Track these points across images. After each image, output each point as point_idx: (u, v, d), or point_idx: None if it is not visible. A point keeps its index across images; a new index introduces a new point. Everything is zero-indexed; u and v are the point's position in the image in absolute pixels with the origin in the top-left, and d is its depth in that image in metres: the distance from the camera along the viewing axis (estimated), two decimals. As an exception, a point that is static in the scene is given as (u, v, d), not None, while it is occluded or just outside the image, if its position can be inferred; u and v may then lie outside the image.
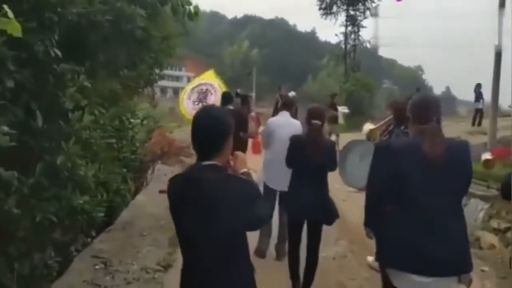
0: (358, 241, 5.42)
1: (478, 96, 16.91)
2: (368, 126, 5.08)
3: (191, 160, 10.76)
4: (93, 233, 5.37)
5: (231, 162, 2.16)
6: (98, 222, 5.08)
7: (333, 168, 4.07)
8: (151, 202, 6.92)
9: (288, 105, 5.25)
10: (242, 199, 1.92)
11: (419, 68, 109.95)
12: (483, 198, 8.14)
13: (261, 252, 5.03)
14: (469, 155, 2.46)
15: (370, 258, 5.02)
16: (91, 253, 4.76)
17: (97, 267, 4.46)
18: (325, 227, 5.87)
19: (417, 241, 2.31)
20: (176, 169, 9.62)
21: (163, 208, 6.56)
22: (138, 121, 8.62)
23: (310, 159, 3.80)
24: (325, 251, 5.17)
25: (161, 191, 7.45)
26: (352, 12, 23.75)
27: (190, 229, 1.95)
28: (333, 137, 12.25)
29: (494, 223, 7.69)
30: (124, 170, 7.24)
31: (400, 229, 2.38)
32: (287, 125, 4.88)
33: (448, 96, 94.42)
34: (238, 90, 10.41)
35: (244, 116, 6.63)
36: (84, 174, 3.74)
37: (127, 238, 5.33)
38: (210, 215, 1.90)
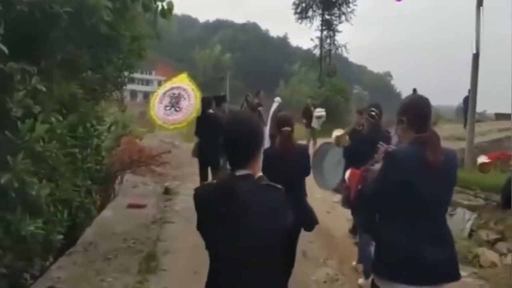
0: (349, 260, 4.96)
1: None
2: (335, 133, 5.04)
3: (163, 169, 10.18)
4: (51, 259, 4.72)
5: None
6: (56, 247, 4.46)
7: (307, 173, 3.99)
8: (118, 218, 6.26)
9: (252, 110, 5.10)
10: (279, 208, 1.90)
11: (388, 74, 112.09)
12: (470, 207, 7.87)
13: None
14: (458, 163, 2.50)
15: (361, 280, 4.61)
16: (48, 283, 4.11)
17: (53, 301, 3.81)
18: (312, 245, 5.53)
19: (418, 251, 2.28)
20: (147, 180, 8.97)
21: (132, 226, 5.94)
22: (105, 127, 7.93)
23: (285, 166, 3.66)
24: (315, 273, 4.72)
25: (130, 206, 6.81)
26: (327, 17, 23.52)
27: (226, 242, 1.86)
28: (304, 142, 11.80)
29: (483, 234, 7.40)
30: (89, 182, 6.57)
31: (401, 239, 2.32)
32: None
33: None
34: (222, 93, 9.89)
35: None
36: (36, 193, 3.14)
37: (89, 263, 4.68)
38: (248, 227, 1.83)
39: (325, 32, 23.57)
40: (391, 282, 2.32)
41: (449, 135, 15.90)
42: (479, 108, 17.83)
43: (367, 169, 2.73)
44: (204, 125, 7.17)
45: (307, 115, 13.00)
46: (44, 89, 3.15)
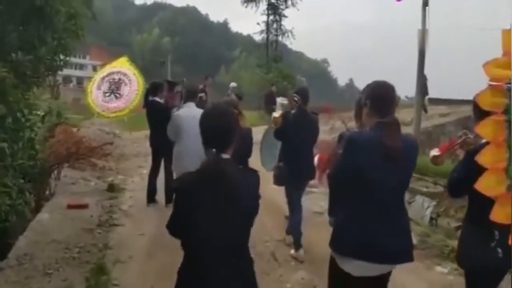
0: (324, 261, 4.56)
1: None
2: (274, 114, 5.45)
3: (105, 163, 9.31)
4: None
5: None
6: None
7: (249, 155, 4.17)
8: (57, 222, 5.40)
9: (192, 95, 5.09)
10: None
11: (324, 61, 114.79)
12: (429, 195, 7.84)
13: None
14: (418, 150, 2.52)
15: (293, 251, 4.79)
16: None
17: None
18: (281, 245, 5.13)
19: (373, 231, 2.37)
20: (87, 175, 8.12)
21: (74, 231, 5.19)
22: (38, 117, 7.01)
23: None
24: (288, 279, 4.27)
25: (70, 206, 6.01)
26: (273, 1, 23.01)
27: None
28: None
29: (444, 222, 7.37)
30: (21, 181, 5.74)
31: (358, 219, 2.41)
32: (194, 116, 4.54)
33: (351, 88, 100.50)
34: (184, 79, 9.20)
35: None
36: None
37: (26, 280, 3.89)
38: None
39: (271, 17, 23.12)
40: (347, 258, 2.41)
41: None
42: (411, 94, 18.71)
43: (334, 154, 2.79)
44: (150, 113, 6.52)
45: (271, 102, 12.97)
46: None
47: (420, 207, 7.80)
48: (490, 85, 1.85)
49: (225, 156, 1.99)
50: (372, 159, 2.32)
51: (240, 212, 1.94)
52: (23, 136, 5.88)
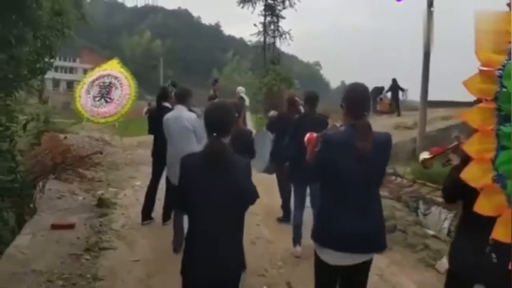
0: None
1: (394, 88, 18.08)
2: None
3: (95, 173, 8.63)
4: None
5: None
6: None
7: (252, 156, 4.18)
8: (39, 246, 4.69)
9: (182, 98, 4.98)
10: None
11: (317, 64, 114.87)
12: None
13: (176, 248, 4.42)
14: (390, 147, 2.68)
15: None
16: None
17: None
18: (298, 270, 4.54)
19: (345, 223, 2.55)
20: (74, 187, 7.43)
21: (60, 257, 4.51)
22: (20, 125, 6.32)
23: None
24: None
25: (54, 226, 5.32)
26: (270, 1, 22.36)
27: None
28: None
29: (463, 235, 6.80)
30: (-1, 199, 5.08)
31: (332, 211, 2.62)
32: (182, 119, 4.83)
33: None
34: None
35: None
36: None
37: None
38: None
39: (268, 18, 22.48)
40: (323, 247, 2.61)
41: (396, 124, 15.58)
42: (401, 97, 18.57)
43: (322, 135, 2.89)
44: (158, 119, 5.83)
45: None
46: None
47: (437, 219, 7.23)
48: (480, 70, 1.70)
49: (224, 140, 2.35)
50: (344, 157, 2.53)
51: (233, 186, 2.25)
52: (0, 148, 5.23)
